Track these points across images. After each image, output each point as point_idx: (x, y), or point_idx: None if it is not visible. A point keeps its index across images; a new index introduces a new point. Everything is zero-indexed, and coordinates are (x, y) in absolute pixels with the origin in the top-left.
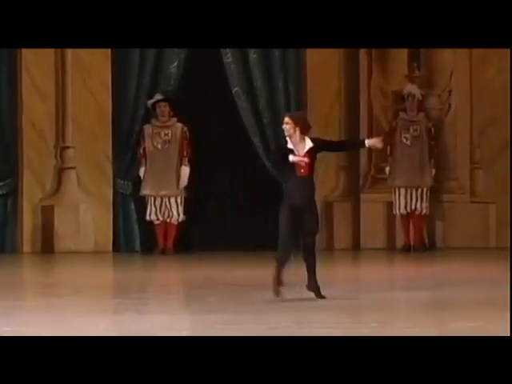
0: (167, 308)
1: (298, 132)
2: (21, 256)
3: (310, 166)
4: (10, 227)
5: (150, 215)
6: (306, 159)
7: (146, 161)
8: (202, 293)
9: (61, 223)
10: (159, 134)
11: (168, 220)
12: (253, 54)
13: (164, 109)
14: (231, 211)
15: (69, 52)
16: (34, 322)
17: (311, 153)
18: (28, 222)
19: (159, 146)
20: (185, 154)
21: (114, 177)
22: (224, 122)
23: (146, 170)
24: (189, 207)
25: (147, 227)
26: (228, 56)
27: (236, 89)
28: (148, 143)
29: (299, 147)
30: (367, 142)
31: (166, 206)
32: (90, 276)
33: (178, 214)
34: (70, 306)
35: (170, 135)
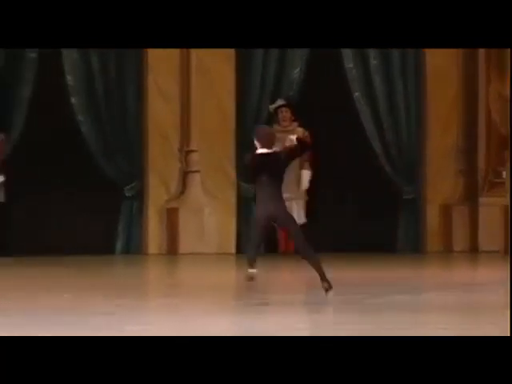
0: (288, 308)
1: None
2: (146, 257)
3: None
4: (135, 229)
5: None
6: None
7: None
8: (322, 293)
9: (185, 225)
10: (281, 138)
11: None
12: (373, 60)
13: (286, 114)
14: (349, 213)
15: (193, 55)
16: (157, 321)
17: None
18: (153, 223)
19: None
20: (306, 158)
21: (237, 180)
22: (344, 126)
23: None
24: (309, 210)
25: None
26: (349, 61)
27: (357, 94)
28: None
29: None
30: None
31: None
32: (212, 277)
33: (300, 217)
34: (192, 306)
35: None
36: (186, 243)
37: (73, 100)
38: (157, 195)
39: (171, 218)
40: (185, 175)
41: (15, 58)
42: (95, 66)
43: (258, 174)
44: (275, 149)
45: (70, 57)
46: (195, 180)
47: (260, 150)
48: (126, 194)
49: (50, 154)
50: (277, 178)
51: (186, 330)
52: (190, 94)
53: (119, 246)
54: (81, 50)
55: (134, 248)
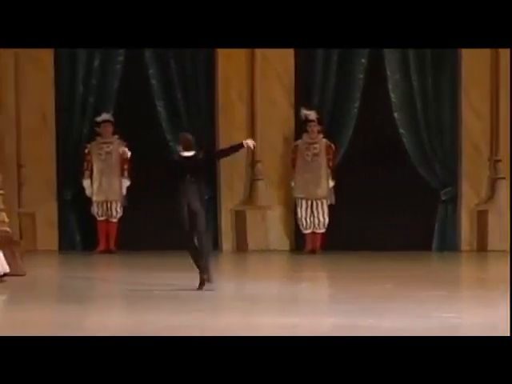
0: None
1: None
2: (459, 254)
3: None
4: (449, 229)
5: None
6: None
7: None
8: None
9: (493, 226)
10: None
11: None
12: None
13: None
14: None
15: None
16: (466, 311)
17: None
18: (465, 224)
19: None
20: None
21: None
22: None
23: None
24: None
25: None
26: None
27: None
28: None
29: None
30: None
31: None
32: None
33: None
34: (500, 298)
35: None
36: (493, 241)
37: (395, 115)
38: (468, 199)
39: (481, 220)
40: (493, 181)
41: (346, 80)
42: (415, 85)
43: (182, 173)
44: (194, 152)
45: (393, 78)
46: (503, 186)
47: (183, 153)
48: (442, 198)
49: (375, 163)
50: (196, 176)
51: (493, 319)
52: (499, 108)
53: (435, 243)
54: (403, 73)
55: (449, 245)
